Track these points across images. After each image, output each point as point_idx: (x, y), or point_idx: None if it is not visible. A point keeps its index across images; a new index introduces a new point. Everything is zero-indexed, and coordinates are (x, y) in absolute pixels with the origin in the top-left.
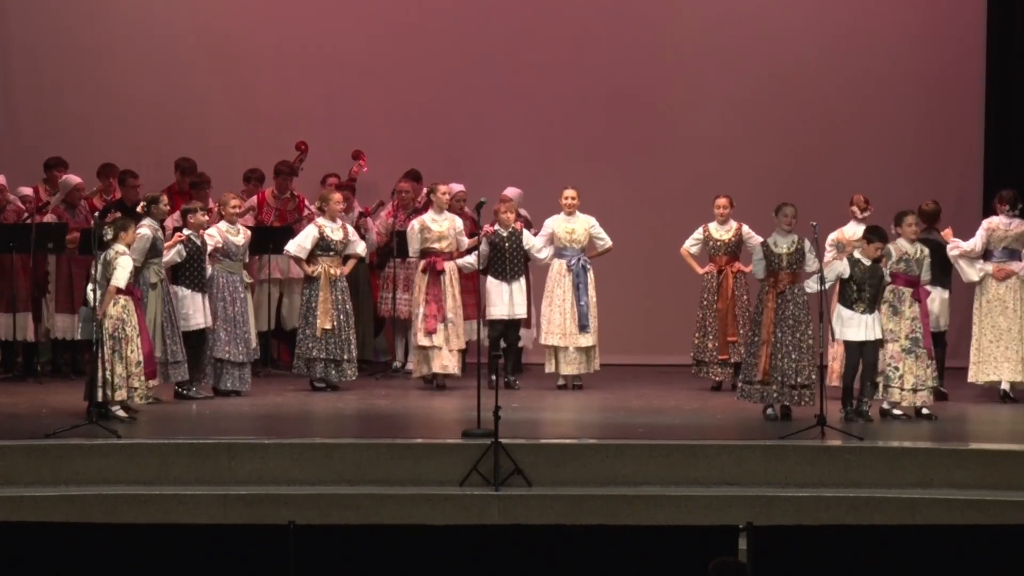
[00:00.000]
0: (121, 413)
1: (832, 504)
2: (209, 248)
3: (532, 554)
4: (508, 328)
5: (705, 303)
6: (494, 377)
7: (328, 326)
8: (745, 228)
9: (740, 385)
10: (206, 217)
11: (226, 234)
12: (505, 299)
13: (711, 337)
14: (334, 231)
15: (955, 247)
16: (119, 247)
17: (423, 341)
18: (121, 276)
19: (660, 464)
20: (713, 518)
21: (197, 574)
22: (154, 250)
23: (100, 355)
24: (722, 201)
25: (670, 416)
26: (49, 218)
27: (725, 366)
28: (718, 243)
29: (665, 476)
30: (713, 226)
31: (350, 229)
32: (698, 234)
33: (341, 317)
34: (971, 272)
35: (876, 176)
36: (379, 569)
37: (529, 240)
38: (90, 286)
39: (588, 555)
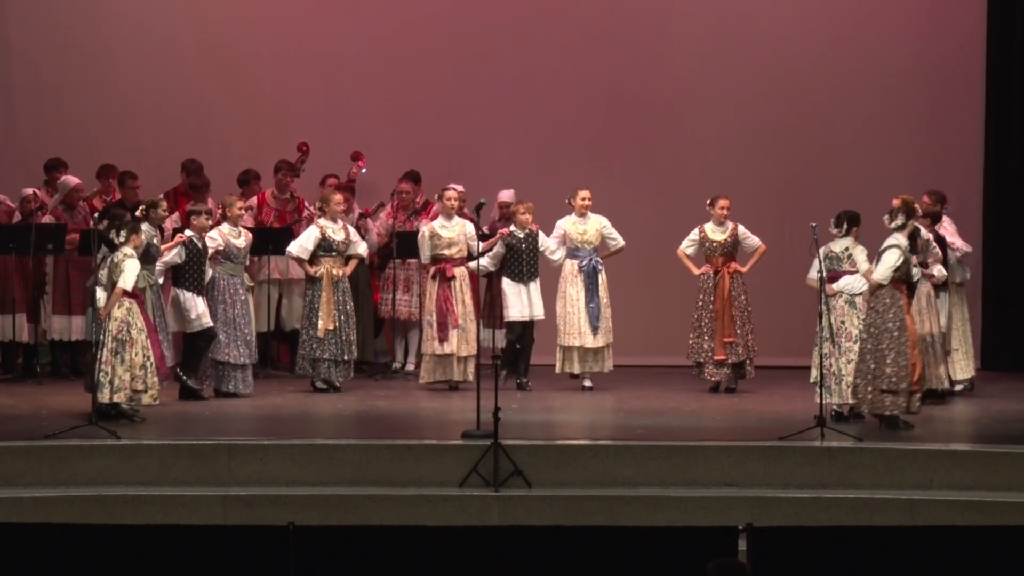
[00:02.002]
0: (128, 413)
1: (832, 505)
2: (211, 251)
3: (532, 555)
4: (524, 329)
5: (701, 304)
6: (518, 380)
7: (331, 327)
8: (741, 228)
9: (876, 394)
10: (210, 221)
11: (228, 236)
12: (524, 300)
13: (707, 338)
14: (336, 232)
15: (959, 248)
16: (127, 249)
17: (433, 350)
18: (128, 278)
19: (660, 465)
20: (713, 519)
21: (197, 575)
22: (147, 255)
23: (99, 356)
24: (724, 202)
25: (670, 417)
26: (47, 219)
27: (721, 366)
28: (714, 244)
29: (665, 477)
30: (709, 227)
31: (351, 230)
32: (694, 235)
33: (342, 318)
34: (965, 273)
35: (877, 176)
36: (379, 570)
37: (544, 242)
38: (96, 287)
39: (588, 556)
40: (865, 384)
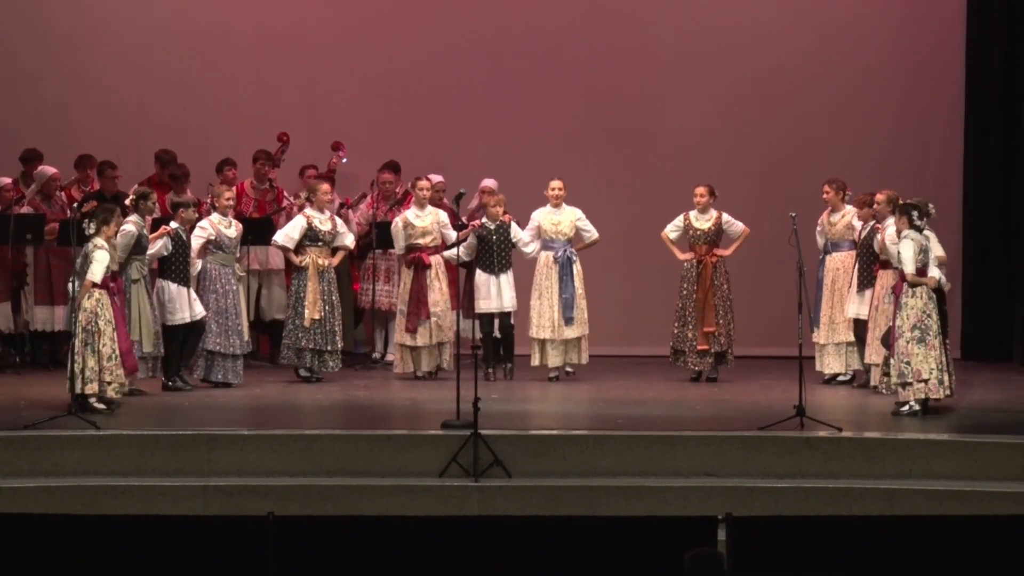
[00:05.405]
0: (99, 405)
1: (811, 495)
2: (202, 240)
3: (511, 545)
4: (499, 320)
5: (684, 292)
6: (491, 370)
7: (317, 316)
8: (725, 216)
9: None
10: (197, 215)
11: (219, 226)
12: (494, 292)
13: (690, 327)
14: (323, 222)
15: None
16: (98, 240)
17: (406, 340)
18: (97, 270)
19: (639, 455)
20: (692, 509)
21: (176, 565)
22: (138, 246)
23: (72, 347)
24: (700, 189)
25: (649, 407)
26: (26, 210)
27: (704, 356)
28: (698, 232)
29: (644, 467)
30: (693, 214)
31: (339, 220)
32: (679, 221)
33: (328, 308)
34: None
35: (856, 168)
36: (359, 560)
37: (517, 233)
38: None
39: (567, 546)
40: None
